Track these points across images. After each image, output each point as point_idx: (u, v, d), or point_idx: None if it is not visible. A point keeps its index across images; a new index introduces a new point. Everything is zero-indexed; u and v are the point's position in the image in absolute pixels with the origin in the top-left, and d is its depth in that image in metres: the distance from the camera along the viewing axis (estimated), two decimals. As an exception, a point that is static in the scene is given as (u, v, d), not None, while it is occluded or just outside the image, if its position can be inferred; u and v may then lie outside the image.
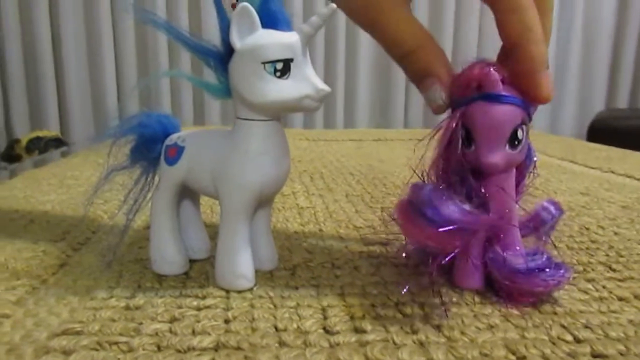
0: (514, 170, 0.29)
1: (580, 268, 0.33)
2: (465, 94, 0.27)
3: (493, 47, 0.30)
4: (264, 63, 0.26)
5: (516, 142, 0.27)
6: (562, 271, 0.27)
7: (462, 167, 0.28)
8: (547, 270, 0.27)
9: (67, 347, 0.23)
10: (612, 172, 0.67)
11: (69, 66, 1.74)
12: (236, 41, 0.26)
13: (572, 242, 0.38)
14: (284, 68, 0.26)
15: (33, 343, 0.23)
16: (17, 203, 0.47)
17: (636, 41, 1.92)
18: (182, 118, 1.71)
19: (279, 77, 0.26)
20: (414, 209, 0.25)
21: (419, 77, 0.28)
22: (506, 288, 0.27)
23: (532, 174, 0.31)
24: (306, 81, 0.26)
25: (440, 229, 0.24)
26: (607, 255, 0.36)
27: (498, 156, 0.26)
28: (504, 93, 0.26)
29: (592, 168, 0.70)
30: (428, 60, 0.28)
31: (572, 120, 1.96)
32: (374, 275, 0.31)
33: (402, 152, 0.84)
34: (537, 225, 0.31)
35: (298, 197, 0.51)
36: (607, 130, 1.58)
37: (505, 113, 0.26)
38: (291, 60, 0.26)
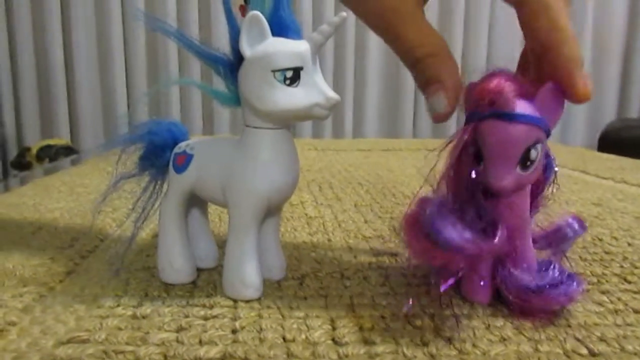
0: (528, 188, 0.27)
1: (595, 280, 0.32)
2: (478, 108, 0.25)
3: (502, 54, 0.30)
4: (273, 71, 0.25)
5: (528, 163, 0.25)
6: (574, 285, 0.27)
7: (472, 184, 0.27)
8: (560, 285, 0.26)
9: (74, 356, 0.22)
10: (625, 182, 0.66)
11: (79, 75, 1.76)
12: (246, 49, 0.26)
13: (586, 253, 0.38)
14: (293, 76, 0.26)
15: (39, 351, 0.23)
16: (27, 210, 0.47)
17: (648, 50, 1.91)
18: (191, 127, 1.72)
19: (289, 85, 0.26)
20: (420, 225, 0.24)
21: (425, 84, 0.28)
22: (517, 306, 0.27)
23: (552, 185, 0.30)
24: (316, 89, 0.26)
25: (443, 251, 0.23)
26: (622, 266, 0.35)
27: (507, 179, 0.25)
28: (517, 112, 0.25)
29: (605, 178, 0.69)
30: (437, 69, 0.27)
31: (583, 131, 1.95)
32: (384, 286, 0.31)
33: (411, 162, 0.84)
34: (558, 240, 0.30)
35: (306, 206, 0.51)
36: (618, 141, 1.57)
37: (517, 133, 0.25)
38: (301, 68, 0.26)
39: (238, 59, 0.27)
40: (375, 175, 0.69)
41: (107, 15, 1.73)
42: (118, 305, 0.27)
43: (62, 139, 1.78)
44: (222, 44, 0.28)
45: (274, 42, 0.26)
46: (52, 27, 1.71)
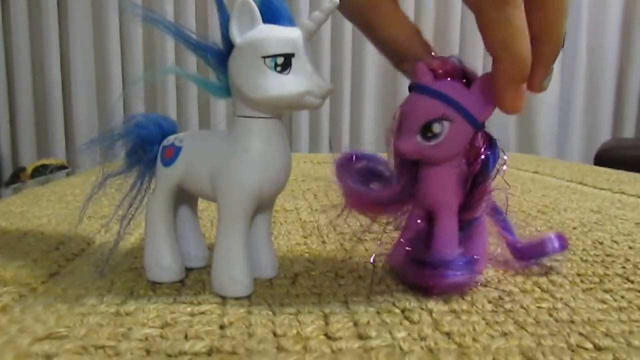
0: (456, 167, 0.28)
1: (597, 279, 0.31)
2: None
3: None
4: (264, 57, 0.25)
5: (429, 134, 0.27)
6: (469, 268, 0.27)
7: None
8: (458, 263, 0.27)
9: (50, 352, 0.21)
10: (623, 192, 0.65)
11: (76, 94, 1.76)
12: (236, 36, 0.25)
13: (587, 255, 0.37)
14: (284, 63, 0.25)
15: (14, 349, 0.22)
16: (14, 217, 0.46)
17: (640, 70, 1.93)
18: (187, 123, 1.72)
19: (280, 72, 0.25)
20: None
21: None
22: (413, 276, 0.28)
23: (497, 175, 0.29)
24: (308, 77, 0.25)
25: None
26: (624, 267, 0.34)
27: (406, 144, 0.27)
28: (428, 86, 0.27)
29: (602, 189, 0.69)
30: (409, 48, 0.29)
31: (579, 150, 1.96)
32: (379, 284, 0.30)
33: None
34: (539, 254, 0.32)
35: (301, 212, 0.50)
36: (613, 160, 1.57)
37: (420, 104, 0.27)
38: (292, 55, 0.25)
39: (228, 47, 0.26)
40: (371, 186, 0.68)
41: (104, 35, 1.74)
42: (101, 303, 0.26)
43: (58, 158, 1.77)
44: (218, 37, 0.28)
45: (264, 28, 0.25)
46: (49, 46, 1.72)
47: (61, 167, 1.68)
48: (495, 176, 0.28)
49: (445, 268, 0.26)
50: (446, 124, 0.26)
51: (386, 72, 1.80)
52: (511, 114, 0.26)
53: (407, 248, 0.29)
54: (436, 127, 0.26)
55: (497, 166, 0.28)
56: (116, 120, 0.30)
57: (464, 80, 0.27)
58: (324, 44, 1.75)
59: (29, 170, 1.69)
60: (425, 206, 0.29)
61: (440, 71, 0.27)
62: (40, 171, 1.66)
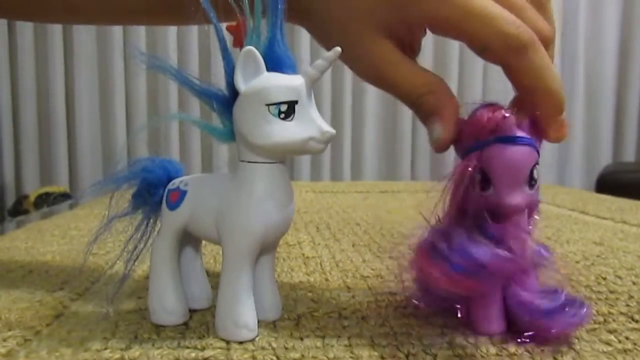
0: (526, 210, 0.28)
1: (601, 319, 0.31)
2: (480, 137, 0.27)
3: (498, 88, 0.31)
4: (268, 105, 0.25)
5: (533, 182, 0.27)
6: (583, 308, 0.27)
7: (479, 211, 0.27)
8: (568, 308, 0.27)
9: (55, 402, 0.21)
10: (625, 222, 0.66)
11: (80, 123, 1.78)
12: (241, 84, 0.26)
13: (590, 291, 0.37)
14: (288, 110, 0.26)
15: (20, 397, 0.22)
16: (18, 254, 0.46)
17: (639, 94, 1.94)
18: (190, 165, 1.73)
19: (284, 119, 0.26)
20: (437, 252, 0.25)
21: (425, 118, 0.29)
22: (531, 329, 0.27)
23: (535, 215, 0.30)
24: (311, 123, 0.26)
25: (468, 274, 0.24)
26: (628, 305, 0.34)
27: (519, 197, 0.27)
28: (520, 134, 0.27)
29: (604, 219, 0.69)
30: (434, 102, 0.29)
31: (580, 175, 1.96)
32: (383, 326, 0.30)
33: (409, 203, 0.83)
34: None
35: (304, 247, 0.50)
36: (615, 184, 1.58)
37: (523, 154, 0.26)
38: (296, 102, 0.26)
39: (233, 94, 0.27)
40: (374, 216, 0.68)
41: (109, 63, 1.77)
42: (105, 349, 0.26)
43: (61, 186, 1.78)
44: (221, 80, 0.28)
45: (268, 76, 0.26)
46: (54, 74, 1.74)
47: (64, 195, 1.69)
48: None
49: (563, 313, 0.26)
50: (538, 167, 0.27)
51: (387, 99, 1.81)
52: (558, 142, 0.29)
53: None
54: (535, 173, 0.27)
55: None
56: (121, 163, 0.31)
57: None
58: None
59: (32, 197, 1.69)
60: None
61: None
62: (43, 199, 1.66)
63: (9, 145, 1.79)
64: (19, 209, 1.68)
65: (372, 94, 1.81)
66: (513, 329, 0.28)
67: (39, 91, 1.77)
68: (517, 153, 0.26)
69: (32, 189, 1.77)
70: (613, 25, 1.92)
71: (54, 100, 1.75)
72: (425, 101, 0.29)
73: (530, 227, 0.29)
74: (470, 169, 0.27)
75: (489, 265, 0.24)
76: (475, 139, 0.27)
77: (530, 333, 0.27)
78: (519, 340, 0.27)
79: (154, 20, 0.46)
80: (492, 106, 0.27)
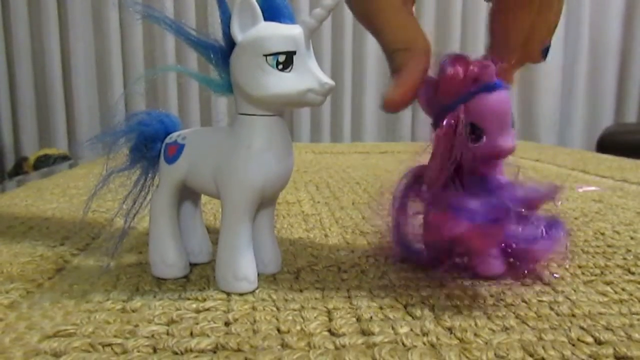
0: None
1: (598, 271, 0.32)
2: (461, 90, 0.27)
3: None
4: (265, 55, 0.25)
5: (513, 125, 0.28)
6: (559, 227, 0.29)
7: (474, 165, 0.28)
8: (553, 229, 0.28)
9: (58, 349, 0.22)
10: (625, 180, 0.65)
11: (77, 85, 1.76)
12: (237, 34, 0.25)
13: (588, 246, 0.37)
14: (286, 61, 0.25)
15: (23, 346, 0.22)
16: (19, 211, 0.47)
17: (644, 55, 1.91)
18: (189, 120, 1.72)
19: (281, 70, 0.25)
20: (458, 210, 0.25)
21: (392, 74, 0.28)
22: (528, 257, 0.28)
23: None
24: (310, 74, 0.25)
25: (494, 222, 0.25)
26: (625, 258, 0.34)
27: (513, 140, 0.28)
28: (502, 82, 0.27)
29: (604, 177, 0.69)
30: (404, 60, 0.28)
31: (581, 136, 1.95)
32: (382, 279, 0.30)
33: (409, 163, 0.83)
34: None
35: (303, 204, 0.50)
36: (616, 145, 1.56)
37: (507, 98, 0.27)
38: (294, 53, 0.25)
39: (230, 44, 0.26)
40: (374, 176, 0.68)
41: (104, 23, 1.73)
42: (107, 300, 0.27)
43: (60, 149, 1.77)
44: (219, 31, 0.27)
45: (266, 26, 0.25)
46: (49, 36, 1.71)
47: (63, 157, 1.69)
48: None
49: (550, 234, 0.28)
50: None
51: (385, 59, 1.78)
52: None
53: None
54: (514, 114, 0.28)
55: None
56: (119, 117, 0.30)
57: None
58: (325, 33, 1.74)
59: (32, 160, 1.69)
60: None
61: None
62: (43, 161, 1.66)
63: (6, 107, 1.77)
64: (19, 171, 1.68)
65: (373, 54, 1.78)
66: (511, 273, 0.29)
67: (34, 50, 1.74)
68: (503, 98, 0.27)
69: (32, 152, 1.76)
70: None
71: (50, 59, 1.72)
72: (397, 56, 0.28)
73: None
74: (458, 121, 0.27)
75: (509, 211, 0.25)
76: (455, 93, 0.27)
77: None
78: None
79: None
80: (458, 59, 0.27)
